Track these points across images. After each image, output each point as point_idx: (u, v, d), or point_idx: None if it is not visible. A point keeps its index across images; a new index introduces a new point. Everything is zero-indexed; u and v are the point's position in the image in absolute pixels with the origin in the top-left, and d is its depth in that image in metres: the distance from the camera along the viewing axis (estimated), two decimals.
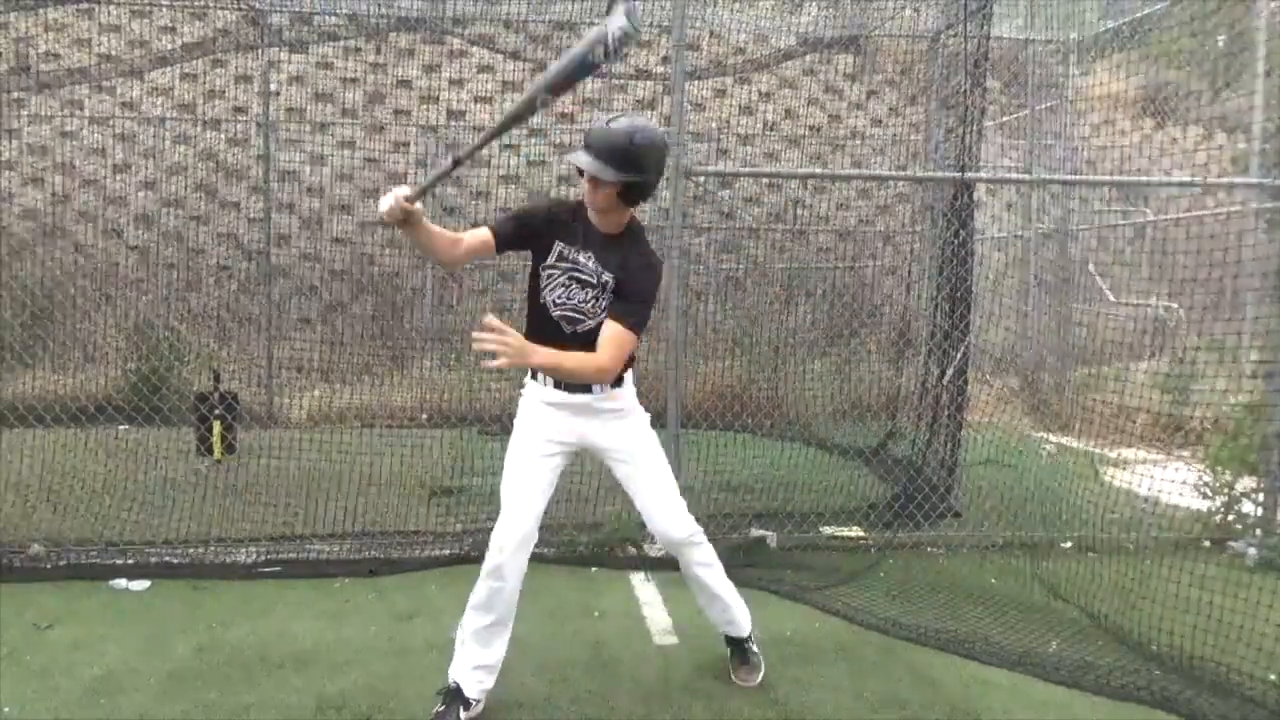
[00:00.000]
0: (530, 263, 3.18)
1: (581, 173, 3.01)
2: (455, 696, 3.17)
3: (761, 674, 3.56)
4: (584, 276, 3.11)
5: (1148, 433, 6.44)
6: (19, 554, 4.66)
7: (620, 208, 3.07)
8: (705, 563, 3.43)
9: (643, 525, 5.01)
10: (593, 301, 3.11)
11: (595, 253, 3.11)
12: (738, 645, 3.59)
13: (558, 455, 3.26)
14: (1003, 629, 4.05)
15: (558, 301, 3.12)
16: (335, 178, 9.25)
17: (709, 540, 3.46)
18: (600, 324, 3.09)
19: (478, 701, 3.20)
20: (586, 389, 3.18)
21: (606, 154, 2.92)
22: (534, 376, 3.25)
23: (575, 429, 3.24)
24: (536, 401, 3.25)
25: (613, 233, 3.13)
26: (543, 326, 3.16)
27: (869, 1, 6.84)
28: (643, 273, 3.11)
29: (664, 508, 3.31)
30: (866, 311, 8.09)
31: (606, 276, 3.10)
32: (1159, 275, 7.39)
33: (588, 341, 3.10)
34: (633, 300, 3.08)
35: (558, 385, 3.19)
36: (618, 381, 3.22)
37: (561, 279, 3.13)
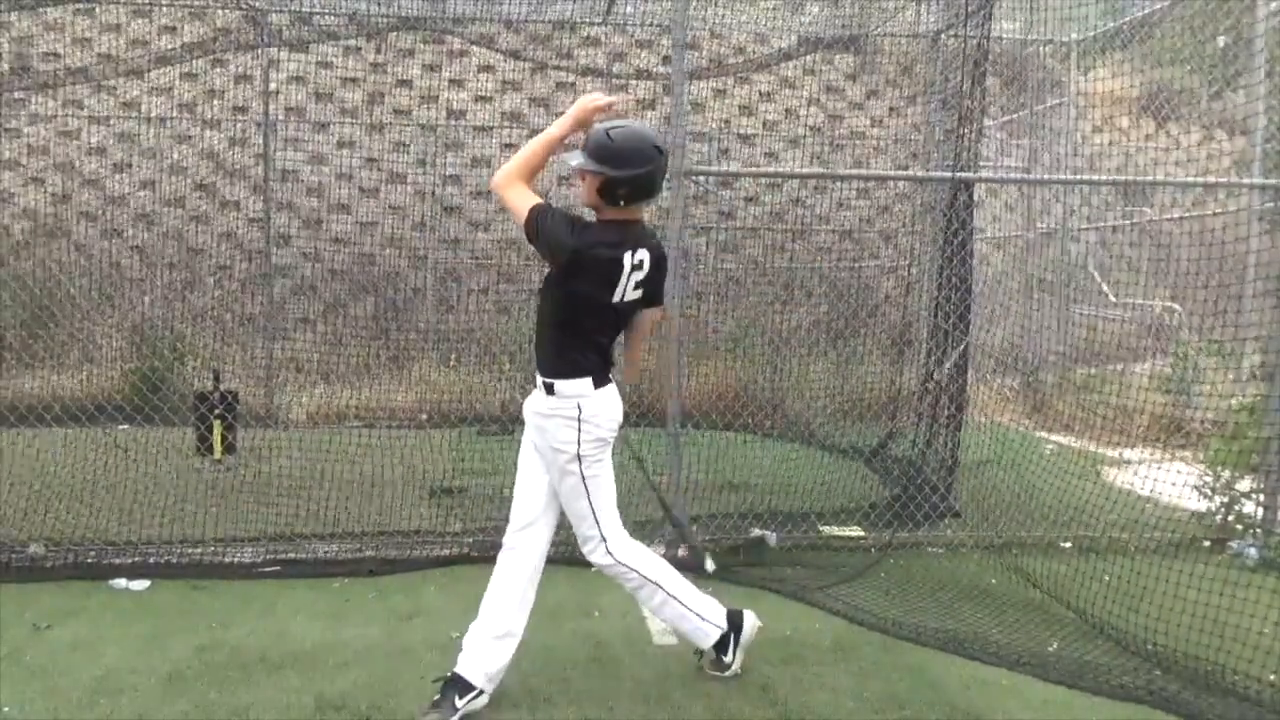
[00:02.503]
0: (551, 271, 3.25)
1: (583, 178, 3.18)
2: (453, 684, 3.21)
3: (729, 671, 3.53)
4: None
5: (1148, 433, 6.44)
6: (19, 554, 4.66)
7: (604, 206, 3.16)
8: (634, 585, 3.45)
9: (643, 524, 5.04)
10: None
11: None
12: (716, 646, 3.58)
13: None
14: (1003, 629, 4.05)
15: None
16: (335, 178, 9.24)
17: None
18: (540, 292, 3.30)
19: (482, 692, 3.23)
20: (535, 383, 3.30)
21: (589, 150, 3.11)
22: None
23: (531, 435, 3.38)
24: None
25: None
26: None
27: (869, 1, 6.84)
28: (661, 267, 3.31)
29: (577, 531, 3.39)
30: (866, 311, 8.09)
31: None
32: (1160, 276, 7.39)
33: (538, 328, 3.33)
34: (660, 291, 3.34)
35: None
36: (550, 376, 3.23)
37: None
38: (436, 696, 3.20)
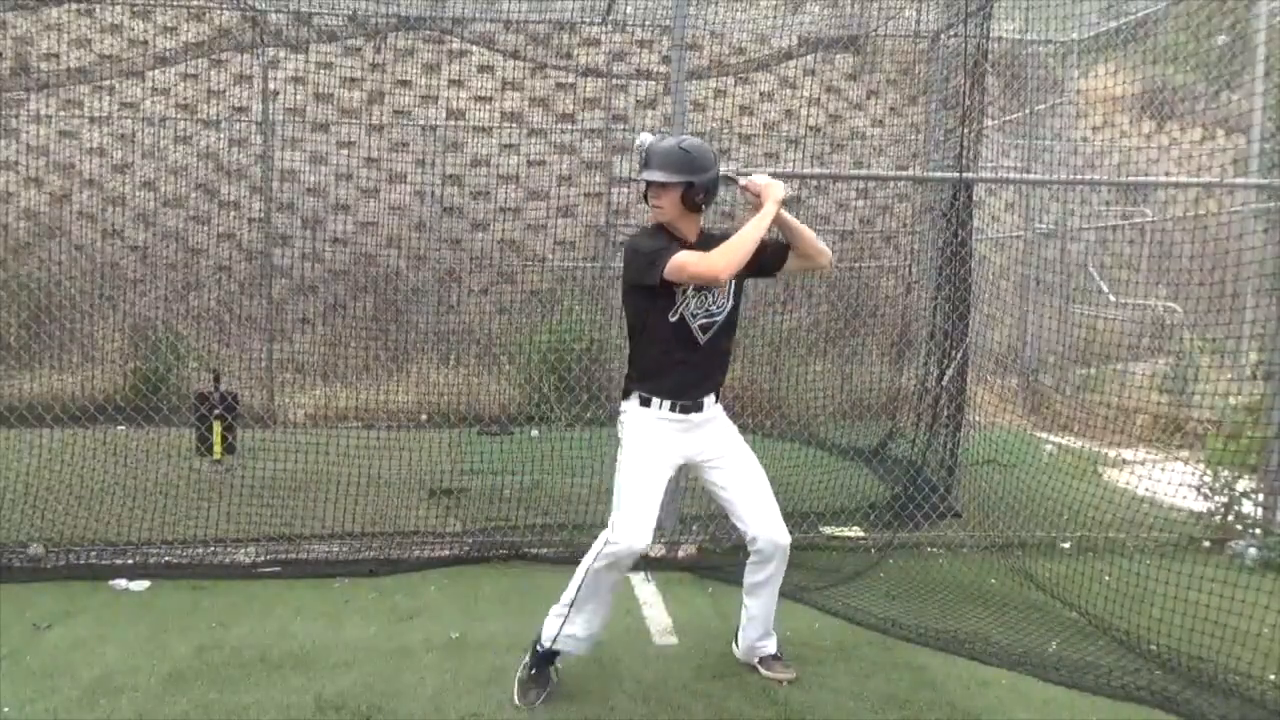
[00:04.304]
0: (643, 291, 3.31)
1: (646, 198, 3.36)
2: (548, 658, 3.40)
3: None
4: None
5: (1148, 433, 6.44)
6: (19, 554, 4.67)
7: (686, 213, 3.33)
8: (783, 571, 3.56)
9: None
10: (718, 299, 3.38)
11: None
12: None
13: (671, 477, 3.45)
14: (1003, 629, 4.05)
15: (695, 313, 3.34)
16: (335, 178, 9.24)
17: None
18: (726, 320, 3.41)
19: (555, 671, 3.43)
20: (700, 407, 3.40)
21: (663, 164, 3.27)
22: (646, 404, 3.37)
23: (687, 446, 3.43)
24: (654, 422, 3.38)
25: (697, 238, 3.41)
26: (674, 343, 3.34)
27: (869, 1, 6.85)
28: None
29: (769, 510, 3.46)
30: (866, 311, 8.09)
31: None
32: (1159, 276, 7.40)
33: (716, 348, 3.42)
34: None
35: (673, 408, 3.37)
36: (720, 391, 3.53)
37: (692, 293, 3.33)
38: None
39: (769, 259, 3.49)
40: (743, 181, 3.43)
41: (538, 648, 3.40)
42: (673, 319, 3.31)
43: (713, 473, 3.49)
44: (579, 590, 3.33)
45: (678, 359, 3.35)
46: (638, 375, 3.41)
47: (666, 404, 3.36)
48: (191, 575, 4.60)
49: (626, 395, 3.44)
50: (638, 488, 3.31)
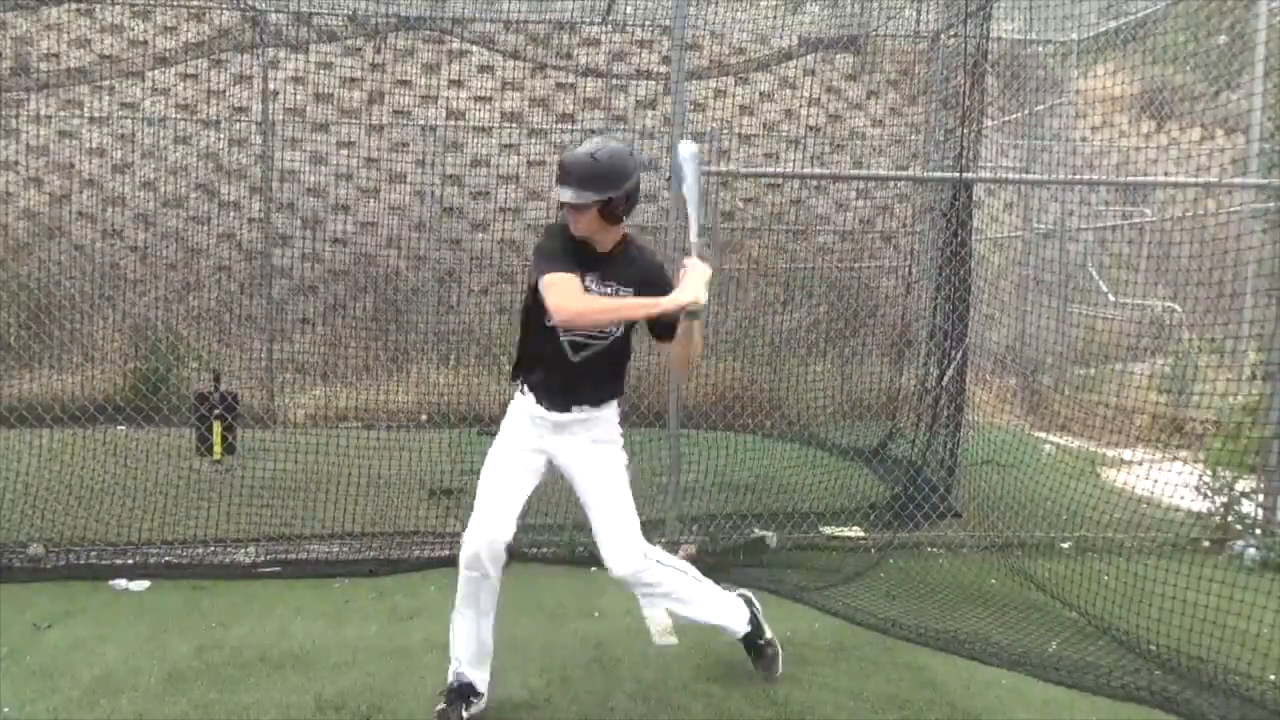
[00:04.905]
0: (530, 286, 3.15)
1: (562, 206, 3.07)
2: (458, 693, 3.17)
3: (780, 665, 3.55)
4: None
5: (1147, 433, 6.44)
6: (19, 554, 4.67)
7: (606, 228, 3.09)
8: (663, 593, 3.34)
9: (642, 524, 5.03)
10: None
11: (606, 273, 3.14)
12: (747, 643, 3.55)
13: (536, 465, 3.27)
14: (1003, 629, 4.05)
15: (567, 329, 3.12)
16: (335, 178, 9.24)
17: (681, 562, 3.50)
18: (609, 346, 3.17)
19: (481, 695, 3.21)
20: (567, 409, 3.21)
21: (577, 179, 2.98)
22: (523, 392, 3.26)
23: (553, 445, 3.26)
24: (523, 414, 3.27)
25: (616, 251, 3.18)
26: (546, 348, 3.17)
27: (869, 1, 6.85)
28: (663, 273, 3.22)
29: (614, 534, 3.24)
30: (866, 311, 8.09)
31: (626, 291, 3.15)
32: (1159, 276, 7.40)
33: (590, 367, 3.17)
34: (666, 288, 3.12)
35: (539, 402, 3.21)
36: (601, 403, 3.25)
37: None
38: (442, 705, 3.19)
39: (658, 328, 3.21)
40: (686, 262, 3.03)
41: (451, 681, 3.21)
42: (548, 323, 3.08)
43: (572, 480, 3.32)
44: (454, 605, 3.18)
45: (549, 363, 3.18)
46: (516, 359, 3.29)
47: (532, 398, 3.21)
48: (191, 575, 4.60)
49: (514, 377, 3.30)
50: (494, 480, 3.18)
